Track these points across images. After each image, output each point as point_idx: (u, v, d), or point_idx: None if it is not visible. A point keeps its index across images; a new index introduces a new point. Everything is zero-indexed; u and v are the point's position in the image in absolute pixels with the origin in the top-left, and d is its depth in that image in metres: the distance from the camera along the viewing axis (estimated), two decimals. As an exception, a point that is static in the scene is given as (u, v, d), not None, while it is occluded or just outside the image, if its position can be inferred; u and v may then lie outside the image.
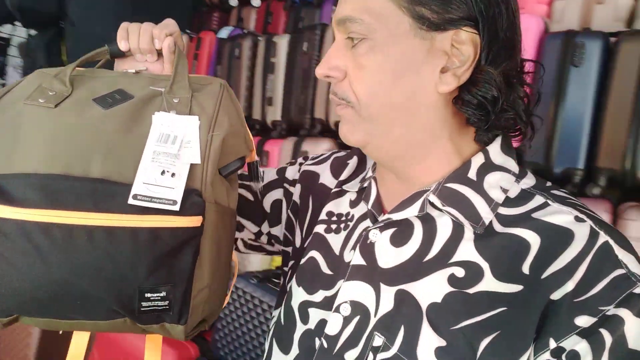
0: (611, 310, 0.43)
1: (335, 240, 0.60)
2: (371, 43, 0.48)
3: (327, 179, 0.67)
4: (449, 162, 0.52)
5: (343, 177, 0.65)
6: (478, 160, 0.52)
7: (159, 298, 0.48)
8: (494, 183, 0.51)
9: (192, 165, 0.49)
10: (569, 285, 0.44)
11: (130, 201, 0.45)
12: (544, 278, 0.45)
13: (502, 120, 0.49)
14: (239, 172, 0.58)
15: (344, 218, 0.61)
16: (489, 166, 0.52)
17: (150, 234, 0.46)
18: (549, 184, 0.53)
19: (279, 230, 0.71)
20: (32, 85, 0.52)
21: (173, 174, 0.48)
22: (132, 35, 0.59)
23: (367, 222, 0.57)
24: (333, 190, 0.64)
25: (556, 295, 0.44)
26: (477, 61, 0.47)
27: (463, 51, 0.47)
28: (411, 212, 0.52)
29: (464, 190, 0.51)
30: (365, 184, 0.60)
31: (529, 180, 0.52)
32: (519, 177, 0.52)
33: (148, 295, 0.47)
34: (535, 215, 0.48)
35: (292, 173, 0.71)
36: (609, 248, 0.44)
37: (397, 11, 0.47)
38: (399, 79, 0.48)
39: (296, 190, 0.69)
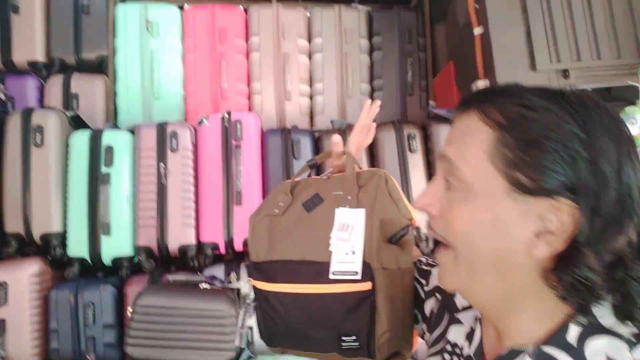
0: None
1: None
2: (466, 195, 0.48)
3: (459, 297, 0.65)
4: (540, 321, 0.48)
5: (466, 303, 0.64)
6: (579, 320, 0.45)
7: (352, 340, 0.70)
8: (598, 350, 0.43)
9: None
10: None
11: (331, 276, 0.70)
12: None
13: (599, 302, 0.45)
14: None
15: (457, 350, 0.61)
16: (593, 329, 0.45)
17: (340, 297, 0.70)
18: None
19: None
20: (273, 200, 0.84)
21: (353, 252, 0.70)
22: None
23: None
24: (456, 315, 0.64)
25: None
26: (575, 236, 0.43)
27: (560, 220, 0.43)
28: None
29: (561, 358, 0.45)
30: (475, 326, 0.59)
31: None
32: (635, 344, 0.43)
33: (344, 338, 0.71)
34: None
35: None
36: None
37: (495, 173, 0.46)
38: (490, 234, 0.47)
39: (438, 300, 0.71)
